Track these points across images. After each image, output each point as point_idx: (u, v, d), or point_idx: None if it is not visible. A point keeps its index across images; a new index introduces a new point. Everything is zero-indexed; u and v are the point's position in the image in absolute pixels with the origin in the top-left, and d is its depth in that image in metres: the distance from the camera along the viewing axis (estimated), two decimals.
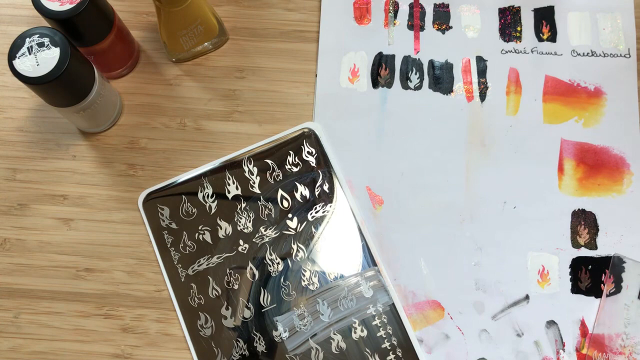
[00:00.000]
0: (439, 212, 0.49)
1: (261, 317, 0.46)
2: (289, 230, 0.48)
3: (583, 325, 0.46)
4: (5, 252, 0.49)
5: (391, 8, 0.54)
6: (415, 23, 0.54)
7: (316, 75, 0.53)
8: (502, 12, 0.54)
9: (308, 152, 0.50)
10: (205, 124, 0.52)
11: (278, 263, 0.47)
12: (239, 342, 0.46)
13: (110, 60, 0.51)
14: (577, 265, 0.47)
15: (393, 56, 0.53)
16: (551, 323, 0.46)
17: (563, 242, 0.48)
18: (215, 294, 0.47)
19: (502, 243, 0.48)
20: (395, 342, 0.46)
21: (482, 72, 0.52)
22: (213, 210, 0.49)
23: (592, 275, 0.47)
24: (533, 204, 0.49)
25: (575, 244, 0.48)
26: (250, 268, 0.47)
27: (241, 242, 0.48)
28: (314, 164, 0.50)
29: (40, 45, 0.43)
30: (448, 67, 0.53)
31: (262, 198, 0.49)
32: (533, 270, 0.47)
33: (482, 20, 0.54)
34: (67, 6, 0.44)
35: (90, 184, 0.51)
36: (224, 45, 0.54)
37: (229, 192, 0.49)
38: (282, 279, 0.47)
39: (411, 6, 0.54)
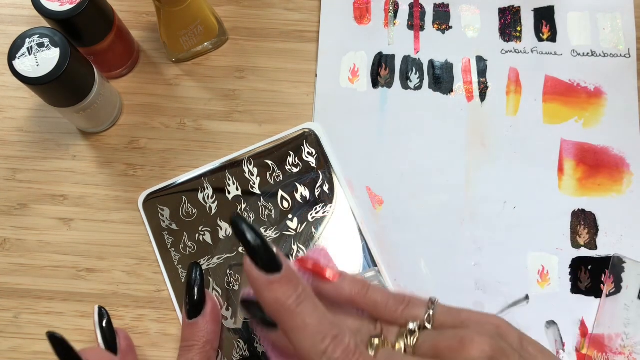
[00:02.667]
0: (439, 212, 0.49)
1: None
2: (289, 231, 0.48)
3: (583, 325, 0.46)
4: (5, 252, 0.49)
5: (391, 8, 0.54)
6: (415, 23, 0.54)
7: (316, 75, 0.53)
8: (502, 12, 0.54)
9: (308, 153, 0.50)
10: (205, 124, 0.52)
11: None
12: (240, 342, 0.46)
13: (110, 60, 0.51)
14: (577, 265, 0.48)
15: (393, 56, 0.53)
16: (551, 323, 0.46)
17: (563, 242, 0.48)
18: (216, 295, 0.47)
19: (502, 243, 0.48)
20: None
21: (482, 72, 0.52)
22: (213, 211, 0.49)
23: (592, 275, 0.47)
24: (533, 204, 0.49)
25: (575, 244, 0.48)
26: None
27: None
28: (314, 165, 0.50)
29: (40, 45, 0.43)
30: (448, 67, 0.53)
31: (262, 199, 0.49)
32: (533, 270, 0.48)
33: (482, 20, 0.54)
34: (67, 6, 0.44)
35: (90, 184, 0.51)
36: (224, 45, 0.54)
37: (229, 193, 0.49)
38: None
39: (411, 6, 0.54)
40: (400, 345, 0.32)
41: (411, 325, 0.33)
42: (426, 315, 0.33)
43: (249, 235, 0.32)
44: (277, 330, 0.34)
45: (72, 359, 0.39)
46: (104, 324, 0.44)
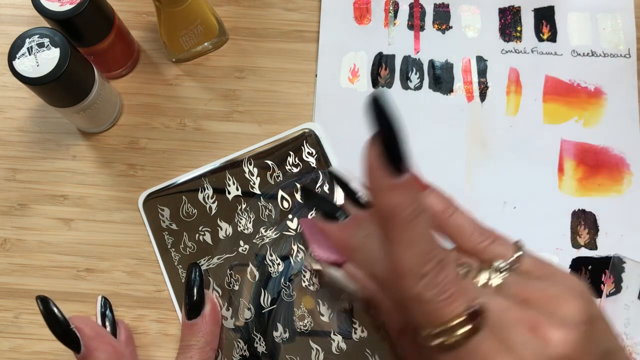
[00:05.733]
0: None
1: (262, 317, 0.46)
2: (289, 231, 0.48)
3: None
4: (6, 253, 0.49)
5: (391, 8, 0.54)
6: (415, 23, 0.54)
7: (316, 75, 0.53)
8: (502, 12, 0.54)
9: (308, 153, 0.50)
10: (205, 124, 0.52)
11: (278, 264, 0.48)
12: (240, 342, 0.46)
13: (110, 61, 0.51)
14: (577, 265, 0.48)
15: (393, 56, 0.53)
16: None
17: (563, 242, 0.48)
18: (216, 295, 0.47)
19: None
20: None
21: (482, 72, 0.52)
22: (213, 211, 0.49)
23: (592, 275, 0.47)
24: (533, 204, 0.49)
25: (575, 244, 0.48)
26: (251, 269, 0.48)
27: (241, 242, 0.48)
28: (314, 165, 0.50)
29: (40, 45, 0.43)
30: (448, 67, 0.53)
31: (262, 199, 0.49)
32: None
33: (482, 20, 0.54)
34: (67, 6, 0.44)
35: (91, 184, 0.51)
36: (224, 45, 0.54)
37: (229, 193, 0.49)
38: (282, 280, 0.47)
39: (411, 6, 0.54)
40: (483, 280, 0.30)
41: (498, 264, 0.30)
42: (513, 258, 0.31)
43: (391, 119, 0.26)
44: (336, 222, 0.32)
45: (59, 324, 0.39)
46: (106, 314, 0.44)
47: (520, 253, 0.31)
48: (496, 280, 0.30)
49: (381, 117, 0.26)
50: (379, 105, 0.26)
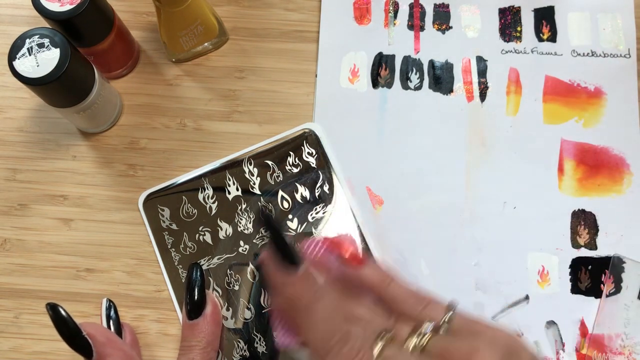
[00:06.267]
0: (439, 212, 0.49)
1: (262, 317, 0.46)
2: (289, 231, 0.48)
3: (583, 325, 0.46)
4: (6, 253, 0.49)
5: (391, 8, 0.54)
6: (415, 23, 0.54)
7: (316, 76, 0.53)
8: (502, 12, 0.54)
9: (308, 153, 0.50)
10: (205, 124, 0.52)
11: None
12: (240, 342, 0.46)
13: (110, 61, 0.51)
14: (577, 265, 0.48)
15: (393, 56, 0.53)
16: (551, 323, 0.46)
17: (563, 243, 0.48)
18: (216, 295, 0.47)
19: (502, 243, 0.48)
20: None
21: (482, 72, 0.52)
22: (213, 211, 0.49)
23: (592, 275, 0.47)
24: (533, 204, 0.49)
25: (575, 244, 0.48)
26: (251, 269, 0.48)
27: (242, 242, 0.48)
28: (314, 165, 0.50)
29: (40, 46, 0.43)
30: (448, 67, 0.53)
31: (262, 199, 0.49)
32: (533, 270, 0.48)
33: (482, 20, 0.54)
34: (67, 7, 0.44)
35: (90, 184, 0.51)
36: (224, 45, 0.54)
37: (229, 193, 0.49)
38: None
39: (411, 6, 0.54)
40: (411, 343, 0.33)
41: (426, 326, 0.33)
42: (443, 319, 0.33)
43: (277, 228, 0.34)
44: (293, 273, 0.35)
45: (70, 331, 0.39)
46: (111, 315, 0.44)
47: (450, 314, 0.34)
48: (421, 342, 0.33)
49: (269, 228, 0.34)
50: (264, 219, 0.34)
